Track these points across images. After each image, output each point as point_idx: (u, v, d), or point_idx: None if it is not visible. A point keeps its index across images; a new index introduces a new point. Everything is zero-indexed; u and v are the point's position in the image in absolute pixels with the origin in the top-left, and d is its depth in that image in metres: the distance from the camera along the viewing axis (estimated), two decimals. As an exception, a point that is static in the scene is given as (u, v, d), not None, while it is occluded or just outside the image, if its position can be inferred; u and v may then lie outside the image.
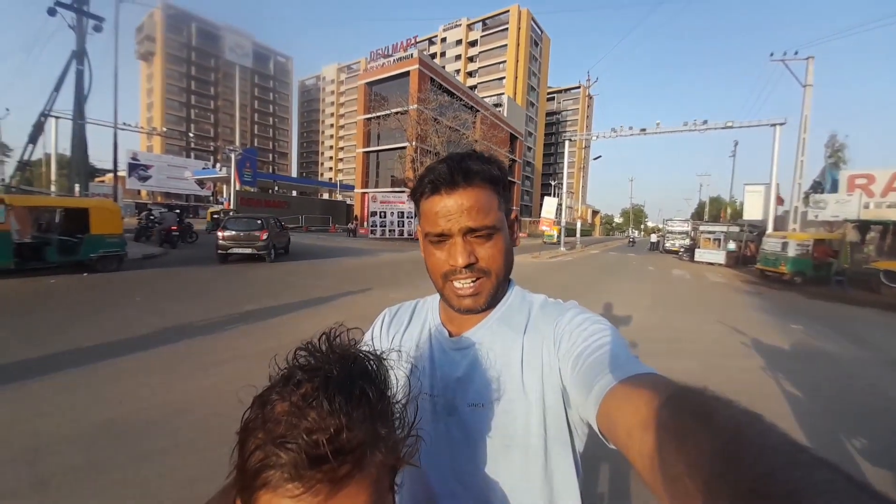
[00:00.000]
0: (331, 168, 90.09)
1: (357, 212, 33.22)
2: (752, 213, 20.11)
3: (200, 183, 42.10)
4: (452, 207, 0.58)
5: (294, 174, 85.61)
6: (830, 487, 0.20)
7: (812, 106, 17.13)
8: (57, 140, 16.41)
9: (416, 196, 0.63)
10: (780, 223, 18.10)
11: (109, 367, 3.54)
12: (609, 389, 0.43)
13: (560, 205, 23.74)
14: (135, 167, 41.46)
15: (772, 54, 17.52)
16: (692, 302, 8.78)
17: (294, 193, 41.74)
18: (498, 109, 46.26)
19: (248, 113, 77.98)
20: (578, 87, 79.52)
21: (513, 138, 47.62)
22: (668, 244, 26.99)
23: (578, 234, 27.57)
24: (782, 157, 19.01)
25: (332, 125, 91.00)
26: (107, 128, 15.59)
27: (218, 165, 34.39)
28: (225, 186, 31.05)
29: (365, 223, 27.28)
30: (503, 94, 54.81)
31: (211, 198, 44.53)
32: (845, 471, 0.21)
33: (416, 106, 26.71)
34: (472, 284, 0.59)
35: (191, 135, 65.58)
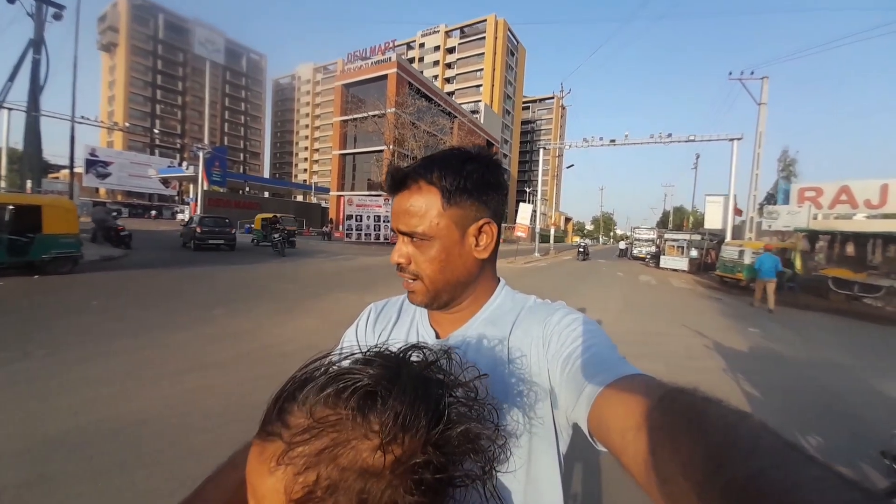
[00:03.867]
0: (305, 170, 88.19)
1: (332, 215, 32.63)
2: (712, 222, 21.27)
3: (165, 182, 40.22)
4: (397, 207, 0.60)
5: (267, 175, 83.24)
6: (822, 485, 0.20)
7: (766, 122, 18.39)
8: (9, 133, 15.27)
9: (388, 192, 0.67)
10: (738, 232, 19.22)
11: (64, 375, 3.31)
12: (600, 391, 0.43)
13: (535, 211, 24.25)
14: (93, 163, 39.17)
15: (730, 73, 18.72)
16: (658, 306, 9.16)
17: (266, 195, 40.49)
18: (475, 116, 46.84)
19: (218, 110, 75.30)
20: (552, 98, 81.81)
21: (489, 145, 48.29)
22: (635, 251, 28.04)
23: (552, 241, 28.29)
24: (740, 169, 20.25)
25: (307, 125, 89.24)
26: (63, 121, 14.70)
27: (185, 164, 32.94)
28: (192, 186, 29.69)
29: (340, 226, 26.85)
30: (480, 101, 55.58)
31: (176, 197, 42.60)
32: (836, 468, 0.21)
33: (393, 109, 26.65)
34: (410, 282, 0.61)
35: (156, 131, 62.65)
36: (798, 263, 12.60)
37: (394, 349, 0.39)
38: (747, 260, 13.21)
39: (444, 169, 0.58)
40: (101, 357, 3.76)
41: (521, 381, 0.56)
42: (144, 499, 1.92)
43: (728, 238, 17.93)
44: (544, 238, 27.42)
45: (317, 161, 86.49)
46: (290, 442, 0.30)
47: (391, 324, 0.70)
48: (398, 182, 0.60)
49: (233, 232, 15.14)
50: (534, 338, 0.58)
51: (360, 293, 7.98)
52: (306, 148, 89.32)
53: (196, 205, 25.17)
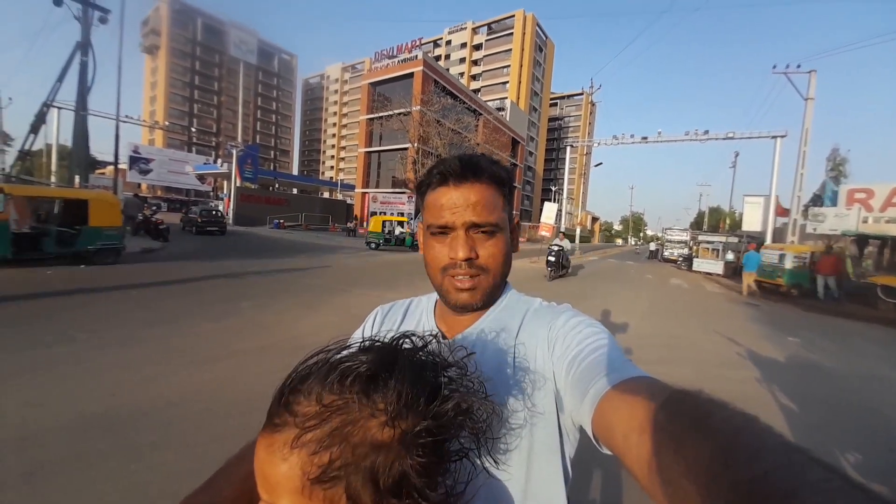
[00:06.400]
0: (332, 167, 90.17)
1: (357, 211, 33.23)
2: (750, 224, 20.14)
3: (201, 178, 42.08)
4: (458, 200, 0.58)
5: (295, 172, 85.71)
6: (827, 486, 0.20)
7: (813, 119, 17.22)
8: (59, 131, 16.39)
9: (423, 188, 0.63)
10: (779, 235, 18.14)
11: (101, 358, 3.52)
12: (605, 393, 0.43)
13: (560, 210, 23.77)
14: (136, 160, 41.51)
15: (774, 66, 17.62)
16: (689, 311, 8.77)
17: (294, 191, 41.68)
18: (501, 113, 46.42)
19: (251, 109, 78.18)
20: (581, 94, 79.76)
21: (515, 143, 47.79)
22: (666, 253, 27.03)
23: (578, 241, 27.60)
24: (782, 169, 19.11)
25: (334, 124, 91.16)
26: (109, 120, 15.60)
27: (219, 161, 34.37)
28: (225, 182, 30.95)
29: (365, 223, 27.29)
30: (506, 98, 55.02)
31: (211, 193, 44.54)
32: (841, 471, 0.21)
33: (419, 107, 26.77)
34: (470, 279, 0.59)
35: (193, 130, 65.68)
36: (850, 269, 11.74)
37: (387, 339, 0.41)
38: (789, 265, 12.44)
39: (495, 166, 0.61)
40: (136, 343, 3.97)
41: (526, 382, 0.55)
42: (172, 480, 2.01)
43: (768, 241, 16.96)
44: (569, 238, 26.82)
45: (343, 158, 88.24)
46: (302, 427, 0.32)
47: (396, 325, 0.70)
48: (467, 172, 0.59)
49: (224, 221, 19.27)
50: (540, 340, 0.58)
51: (382, 290, 8.09)
52: (333, 146, 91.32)
53: (229, 200, 26.21)
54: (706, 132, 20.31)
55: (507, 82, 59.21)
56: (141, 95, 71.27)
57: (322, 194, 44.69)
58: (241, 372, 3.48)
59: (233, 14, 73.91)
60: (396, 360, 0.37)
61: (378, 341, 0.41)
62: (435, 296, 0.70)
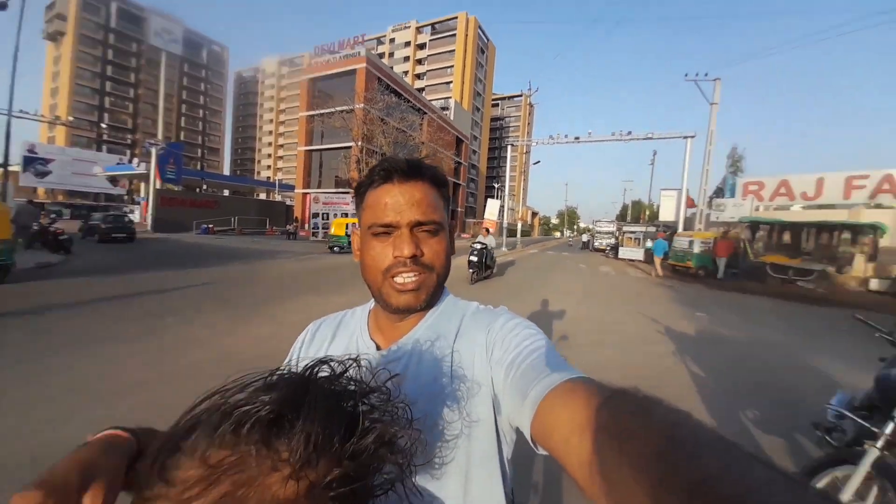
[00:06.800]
0: (269, 166, 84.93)
1: (297, 213, 31.67)
2: (666, 215, 22.47)
3: (113, 180, 37.54)
4: (403, 199, 0.57)
5: (227, 172, 79.53)
6: (774, 489, 0.20)
7: (717, 121, 19.52)
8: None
9: (363, 187, 0.62)
10: (689, 224, 20.40)
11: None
12: (544, 396, 0.43)
13: (502, 206, 24.67)
14: (31, 161, 36.04)
15: (686, 75, 19.65)
16: (616, 295, 9.61)
17: (226, 193, 38.66)
18: (445, 112, 46.82)
19: (174, 104, 70.99)
20: (521, 96, 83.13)
21: (459, 142, 48.48)
22: (596, 243, 29.17)
23: (519, 235, 28.86)
24: (693, 165, 21.43)
25: (271, 120, 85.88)
26: (-4, 115, 13.40)
27: (135, 161, 30.83)
28: (143, 184, 27.86)
29: (306, 225, 26.14)
30: (450, 97, 55.64)
31: (125, 197, 39.84)
32: (779, 466, 0.22)
33: (362, 105, 26.20)
34: (414, 279, 0.58)
35: (103, 125, 58.31)
36: (746, 251, 13.63)
37: (298, 368, 0.36)
38: (696, 249, 14.09)
39: (435, 169, 0.62)
40: (37, 376, 3.41)
41: (462, 391, 0.55)
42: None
43: (680, 229, 18.99)
44: (511, 232, 27.98)
45: (281, 157, 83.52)
46: (180, 500, 0.26)
47: (326, 342, 0.67)
48: (412, 171, 0.59)
49: (133, 227, 17.33)
50: (477, 345, 0.58)
51: (327, 295, 7.82)
52: (270, 143, 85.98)
53: (147, 204, 23.67)
54: (629, 133, 22.14)
55: (451, 82, 59.90)
56: (41, 88, 61.65)
57: (258, 196, 42.04)
58: (165, 397, 3.22)
59: (154, 1, 65.70)
60: (307, 395, 0.31)
61: (287, 373, 0.35)
62: (369, 306, 0.69)
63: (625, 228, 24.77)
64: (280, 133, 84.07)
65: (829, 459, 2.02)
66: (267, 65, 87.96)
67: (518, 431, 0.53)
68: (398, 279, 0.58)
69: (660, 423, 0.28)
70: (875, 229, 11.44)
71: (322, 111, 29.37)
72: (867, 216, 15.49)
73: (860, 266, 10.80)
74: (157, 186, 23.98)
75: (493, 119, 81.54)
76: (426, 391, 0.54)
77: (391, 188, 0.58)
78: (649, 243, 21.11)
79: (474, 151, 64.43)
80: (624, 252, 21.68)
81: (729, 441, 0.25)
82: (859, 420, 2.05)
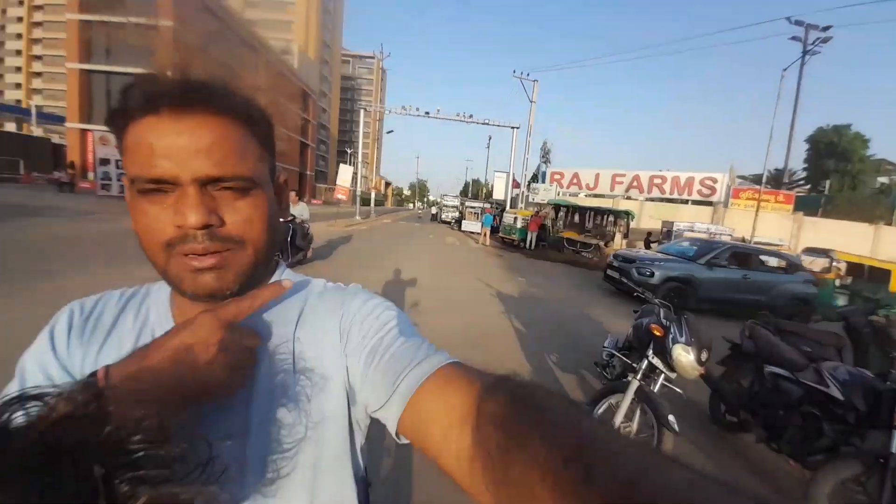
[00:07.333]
0: (19, 85, 58.08)
1: (74, 157, 23.24)
2: (498, 193, 26.23)
3: None
4: (181, 140, 0.39)
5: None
6: (696, 488, 0.20)
7: (536, 117, 23.40)
8: None
9: (119, 118, 0.41)
10: (514, 203, 24.36)
11: None
12: (418, 387, 0.39)
13: (356, 174, 23.99)
14: None
15: (514, 71, 22.61)
16: (459, 264, 10.93)
17: None
18: (286, 58, 41.14)
19: None
20: (373, 57, 79.48)
21: (306, 96, 43.74)
22: (443, 216, 31.78)
23: (373, 204, 28.75)
24: (518, 152, 25.31)
25: (19, 18, 57.72)
26: None
27: None
28: None
29: (91, 174, 19.53)
30: (292, 40, 48.99)
31: None
32: (696, 468, 0.22)
33: (171, 23, 20.42)
34: (213, 256, 0.41)
35: None
36: (553, 228, 17.41)
37: None
38: (519, 225, 17.17)
39: (237, 94, 0.42)
40: None
41: (306, 386, 0.45)
42: None
43: (508, 207, 22.46)
44: (365, 201, 27.62)
45: (40, 75, 58.01)
46: None
47: (104, 334, 0.48)
48: (193, 96, 0.39)
49: None
50: (328, 332, 0.48)
51: (122, 268, 6.20)
52: (19, 52, 58.18)
53: None
54: (471, 116, 24.35)
55: (292, 22, 52.53)
56: None
57: (2, 127, 28.81)
58: None
59: None
60: None
61: None
62: None
63: (467, 203, 27.67)
64: (36, 39, 57.58)
65: (606, 389, 2.52)
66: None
67: (372, 418, 0.47)
68: (190, 258, 0.41)
69: (559, 419, 0.27)
70: (627, 215, 16.20)
71: (106, 18, 21.68)
72: (623, 205, 21.63)
73: (618, 241, 15.18)
74: None
75: (344, 78, 76.40)
76: (257, 392, 0.43)
77: (159, 123, 0.39)
78: (486, 218, 24.51)
79: (324, 110, 59.37)
80: (466, 225, 24.30)
81: (637, 440, 0.31)
82: (623, 358, 2.71)
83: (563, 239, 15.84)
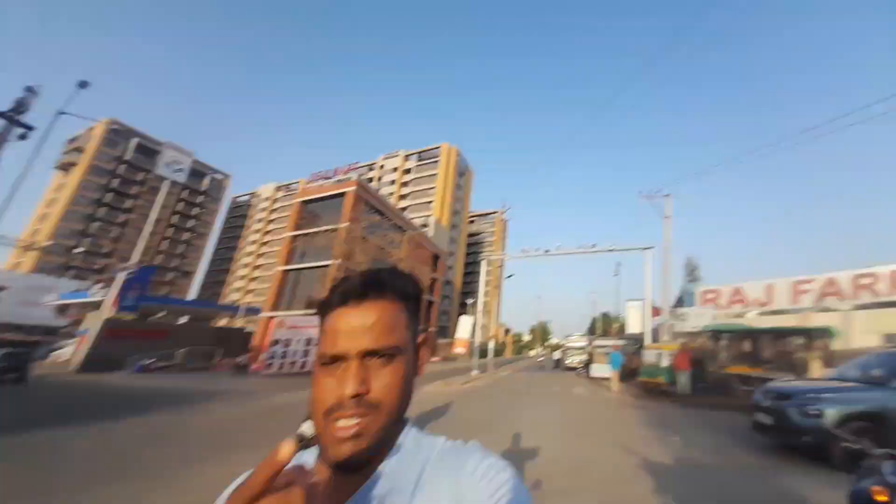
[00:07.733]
0: (239, 288, 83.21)
1: (257, 340, 28.38)
2: (633, 326, 22.62)
3: (62, 309, 34.91)
4: (356, 322, 0.50)
5: (193, 296, 76.81)
6: None
7: (673, 233, 21.24)
8: None
9: (324, 310, 0.54)
10: (656, 335, 20.48)
11: None
12: None
13: (475, 324, 24.14)
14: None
15: (640, 192, 20.60)
16: (590, 424, 8.89)
17: (184, 319, 34.86)
18: (425, 230, 49.95)
19: (161, 228, 71.73)
20: (495, 213, 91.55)
21: (436, 258, 50.44)
22: (567, 361, 27.89)
23: (491, 356, 27.49)
24: (655, 276, 22.51)
25: (254, 241, 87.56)
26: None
27: (94, 288, 29.32)
28: (91, 314, 24.30)
29: (262, 355, 22.68)
30: (430, 215, 60.82)
31: (63, 329, 35.15)
32: None
33: (346, 224, 27.11)
34: (356, 423, 0.47)
35: (78, 250, 56.97)
36: (708, 362, 13.47)
37: None
38: (665, 363, 13.70)
39: (402, 279, 0.54)
40: None
41: None
42: None
43: (648, 341, 18.84)
44: (483, 353, 26.94)
45: (256, 278, 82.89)
46: None
47: None
48: (369, 289, 0.51)
49: (27, 364, 14.04)
50: (442, 499, 0.48)
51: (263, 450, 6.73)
52: (247, 265, 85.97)
53: (86, 338, 20.71)
54: (594, 245, 23.19)
55: (432, 202, 65.78)
56: (28, 214, 61.86)
57: (217, 323, 39.39)
58: None
59: (173, 135, 72.00)
60: None
61: None
62: None
63: (595, 343, 24.37)
64: (260, 254, 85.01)
65: None
66: (264, 190, 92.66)
67: None
68: (340, 423, 0.47)
69: None
70: (826, 332, 11.60)
71: (307, 231, 29.95)
72: (815, 320, 16.24)
73: (817, 372, 10.80)
74: (110, 315, 22.46)
75: (471, 234, 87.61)
76: None
77: (345, 312, 0.51)
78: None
79: (450, 267, 67.07)
80: (595, 369, 20.75)
81: None
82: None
83: (730, 376, 12.10)
